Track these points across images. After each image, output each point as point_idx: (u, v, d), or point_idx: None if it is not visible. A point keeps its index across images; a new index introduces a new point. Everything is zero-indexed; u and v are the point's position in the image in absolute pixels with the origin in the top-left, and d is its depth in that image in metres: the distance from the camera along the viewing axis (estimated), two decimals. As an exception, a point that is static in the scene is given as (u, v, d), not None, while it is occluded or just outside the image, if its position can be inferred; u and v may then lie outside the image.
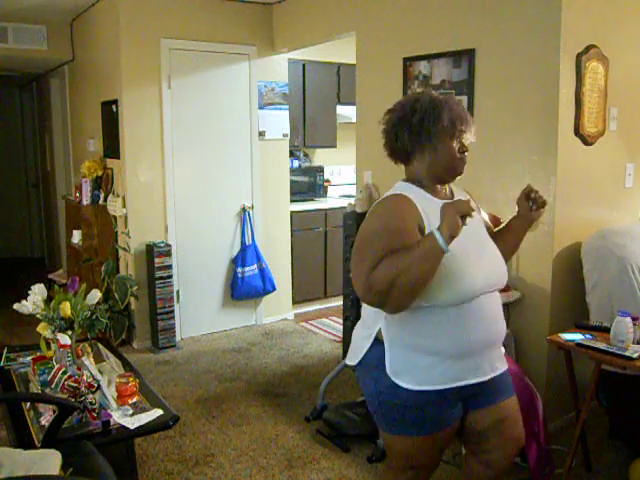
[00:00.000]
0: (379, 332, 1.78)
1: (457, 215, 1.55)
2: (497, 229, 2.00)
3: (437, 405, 1.76)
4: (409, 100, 1.81)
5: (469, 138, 1.78)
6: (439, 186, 1.82)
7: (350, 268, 1.74)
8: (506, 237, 1.96)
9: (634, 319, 2.42)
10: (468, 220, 1.61)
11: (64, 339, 2.67)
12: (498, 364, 1.85)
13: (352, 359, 1.88)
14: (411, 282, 1.58)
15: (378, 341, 1.78)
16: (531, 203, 1.87)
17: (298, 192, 5.68)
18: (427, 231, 1.68)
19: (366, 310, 1.86)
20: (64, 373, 2.43)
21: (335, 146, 6.01)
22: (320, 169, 5.98)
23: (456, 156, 1.75)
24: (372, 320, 1.81)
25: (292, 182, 5.45)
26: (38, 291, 2.86)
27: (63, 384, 2.36)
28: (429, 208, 1.73)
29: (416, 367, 1.72)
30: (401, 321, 1.73)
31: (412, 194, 1.75)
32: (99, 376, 2.52)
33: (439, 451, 1.88)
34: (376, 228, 1.71)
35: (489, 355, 1.80)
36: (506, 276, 1.86)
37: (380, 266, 1.60)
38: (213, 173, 4.84)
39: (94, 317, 2.99)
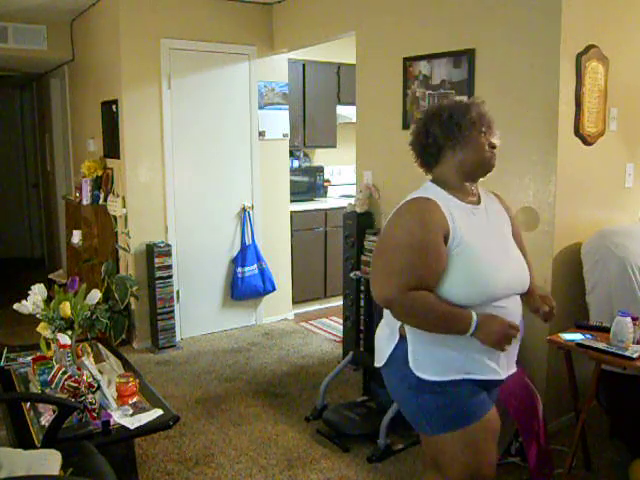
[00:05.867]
0: (402, 328, 1.79)
1: (500, 337, 1.67)
2: None
3: (468, 389, 1.75)
4: (434, 105, 1.88)
5: (496, 138, 1.80)
6: (469, 186, 1.83)
7: (370, 269, 1.80)
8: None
9: (634, 319, 2.42)
10: (496, 222, 1.79)
11: (64, 339, 2.67)
12: (513, 363, 1.85)
13: (379, 361, 1.88)
14: (425, 327, 1.72)
15: (403, 338, 1.79)
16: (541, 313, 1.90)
17: (298, 192, 5.68)
18: (452, 235, 1.71)
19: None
20: (64, 373, 2.43)
21: (335, 146, 6.01)
22: (320, 169, 5.98)
23: (486, 149, 1.77)
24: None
25: (292, 182, 5.45)
26: (38, 291, 2.86)
27: (63, 384, 2.36)
28: (456, 212, 1.75)
29: (438, 360, 1.74)
30: None
31: (439, 197, 1.76)
32: (99, 376, 2.53)
33: (493, 445, 1.83)
34: (401, 240, 1.73)
35: (509, 353, 1.80)
36: (529, 281, 1.87)
37: (412, 299, 1.68)
38: (213, 173, 4.84)
39: (94, 317, 3.00)
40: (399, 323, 1.79)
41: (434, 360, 1.74)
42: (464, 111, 1.77)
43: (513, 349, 1.82)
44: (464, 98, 3.25)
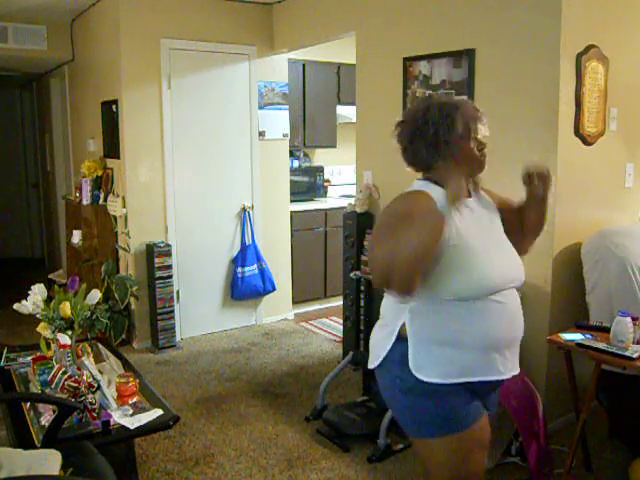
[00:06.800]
0: (402, 329, 1.76)
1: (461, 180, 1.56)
2: (519, 205, 1.95)
3: (462, 396, 1.74)
4: (419, 110, 1.79)
5: (484, 132, 1.76)
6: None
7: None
8: (527, 213, 1.92)
9: (634, 319, 2.42)
10: (487, 215, 1.77)
11: (64, 339, 2.67)
12: (516, 363, 1.83)
13: (373, 361, 1.85)
14: (409, 254, 1.52)
15: (400, 338, 1.77)
16: (535, 181, 1.83)
17: (298, 192, 5.68)
18: (448, 228, 1.66)
19: (386, 306, 1.86)
20: (64, 373, 2.43)
21: (335, 146, 6.01)
22: (320, 169, 5.98)
23: (476, 155, 1.76)
24: (393, 315, 1.79)
25: (292, 182, 5.45)
26: (38, 291, 2.86)
27: (63, 384, 2.36)
28: (448, 207, 1.71)
29: (439, 361, 1.72)
30: (426, 315, 1.73)
31: (432, 192, 1.74)
32: (99, 376, 2.53)
33: (481, 455, 1.82)
34: (389, 218, 1.71)
35: (510, 352, 1.79)
36: (523, 272, 1.85)
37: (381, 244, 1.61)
38: (213, 173, 4.84)
39: (94, 317, 3.00)
40: (401, 323, 1.76)
41: (437, 361, 1.72)
42: (450, 125, 1.72)
43: (515, 347, 1.81)
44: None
